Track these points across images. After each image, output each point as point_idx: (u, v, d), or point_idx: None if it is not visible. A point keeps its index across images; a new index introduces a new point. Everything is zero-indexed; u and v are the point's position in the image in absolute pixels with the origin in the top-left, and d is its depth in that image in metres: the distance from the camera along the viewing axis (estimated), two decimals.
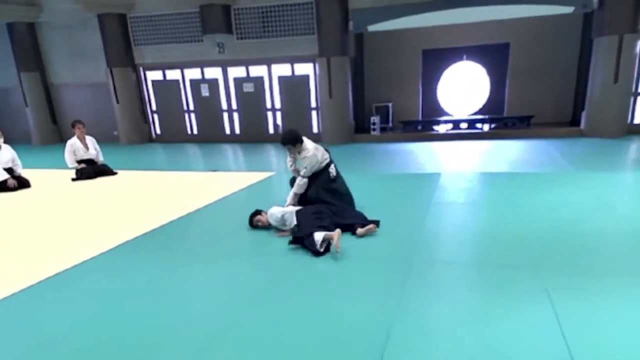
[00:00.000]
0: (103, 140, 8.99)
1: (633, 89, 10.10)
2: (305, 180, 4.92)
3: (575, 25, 11.07)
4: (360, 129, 12.32)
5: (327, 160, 5.04)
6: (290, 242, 4.11)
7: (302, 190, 4.94)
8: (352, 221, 4.45)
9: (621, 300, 2.88)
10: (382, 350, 2.47)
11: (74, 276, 3.77)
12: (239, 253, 4.18)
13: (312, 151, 4.88)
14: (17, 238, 4.89)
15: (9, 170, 7.45)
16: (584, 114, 10.51)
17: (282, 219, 4.45)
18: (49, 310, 3.18)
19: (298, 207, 4.59)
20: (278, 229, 4.54)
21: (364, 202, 5.25)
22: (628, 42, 9.37)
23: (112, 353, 2.60)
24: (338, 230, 3.87)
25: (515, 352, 2.40)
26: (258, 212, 4.65)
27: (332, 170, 5.01)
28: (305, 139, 4.96)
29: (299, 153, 4.92)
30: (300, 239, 4.03)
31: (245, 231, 4.66)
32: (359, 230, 4.28)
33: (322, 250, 3.84)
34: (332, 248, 3.88)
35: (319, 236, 3.85)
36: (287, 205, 4.84)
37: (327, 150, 5.13)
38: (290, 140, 4.87)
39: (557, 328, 2.59)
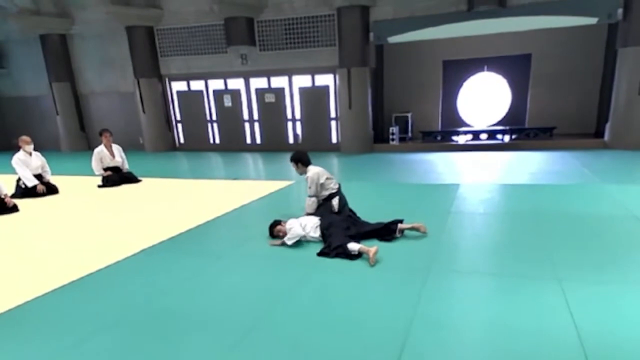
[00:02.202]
0: (129, 148, 9.27)
1: None
2: (313, 199, 5.17)
3: (598, 36, 10.93)
4: (379, 139, 12.37)
5: (332, 191, 5.16)
6: (319, 254, 4.20)
7: (312, 210, 5.17)
8: (373, 227, 4.57)
9: None
10: (401, 351, 2.52)
11: (106, 276, 3.93)
12: (263, 256, 4.29)
13: (314, 171, 5.14)
14: (48, 242, 5.09)
15: (39, 177, 7.75)
16: (607, 125, 10.34)
17: (302, 235, 4.52)
18: (81, 310, 3.32)
19: (317, 219, 4.65)
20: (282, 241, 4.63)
21: (382, 210, 5.29)
22: None
23: (151, 341, 2.72)
24: (376, 247, 3.99)
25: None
26: (278, 223, 4.73)
27: (334, 203, 5.11)
28: (312, 166, 5.23)
29: (303, 173, 5.27)
30: (327, 253, 4.16)
31: (267, 237, 4.76)
32: (401, 226, 4.52)
33: (356, 254, 4.04)
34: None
35: (354, 247, 4.04)
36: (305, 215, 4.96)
37: (339, 184, 5.31)
38: (296, 158, 5.27)
39: (578, 343, 2.59)
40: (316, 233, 4.51)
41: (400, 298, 3.24)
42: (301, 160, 5.23)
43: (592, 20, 9.77)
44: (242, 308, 3.21)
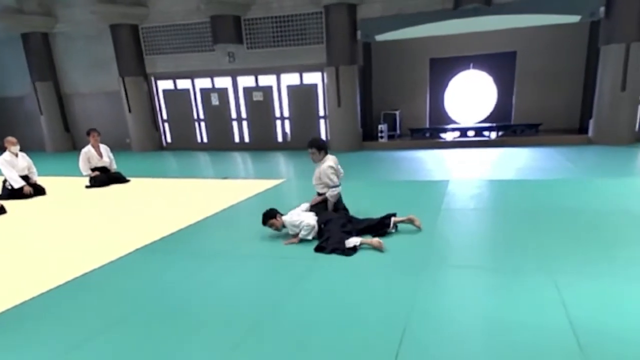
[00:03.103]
0: (115, 148, 9.18)
1: None
2: (339, 188, 5.04)
3: (581, 34, 11.14)
4: (368, 137, 12.43)
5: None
6: (316, 250, 4.23)
7: (336, 199, 5.07)
8: (368, 223, 4.61)
9: None
10: (399, 342, 2.57)
11: (98, 278, 3.90)
12: (259, 255, 4.30)
13: (334, 160, 5.06)
14: (36, 243, 5.02)
15: (25, 178, 7.63)
16: (591, 121, 10.55)
17: (298, 228, 4.51)
18: (80, 309, 3.30)
19: (315, 219, 4.58)
20: (288, 236, 4.63)
21: (373, 208, 5.32)
22: (635, 50, 9.43)
23: (154, 342, 2.72)
24: (377, 240, 4.18)
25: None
26: (273, 215, 4.64)
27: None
28: (329, 155, 5.12)
29: (321, 160, 5.05)
30: (323, 248, 4.20)
31: (263, 235, 4.76)
32: (395, 219, 4.59)
33: (353, 247, 4.14)
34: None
35: (354, 240, 4.18)
36: (307, 210, 4.89)
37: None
38: (319, 145, 5.04)
39: (572, 333, 2.66)
40: (312, 234, 4.50)
41: (397, 292, 3.28)
42: (324, 148, 5.07)
43: (575, 19, 9.95)
44: (241, 307, 3.22)
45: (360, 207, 5.43)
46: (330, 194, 5.00)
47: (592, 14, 9.79)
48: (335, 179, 4.99)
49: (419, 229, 4.63)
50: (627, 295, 3.07)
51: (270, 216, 4.64)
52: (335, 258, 4.05)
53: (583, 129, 11.18)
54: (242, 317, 3.05)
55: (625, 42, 9.43)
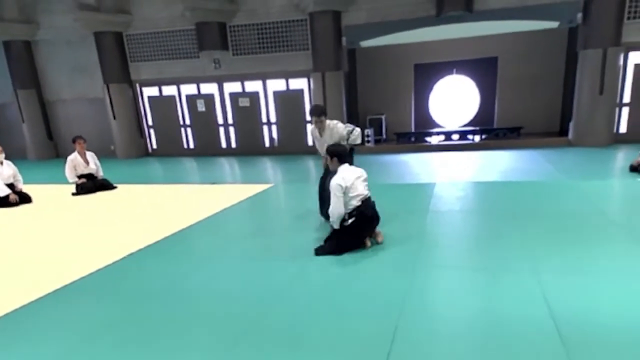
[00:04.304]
0: (100, 155, 9.11)
1: (618, 100, 10.45)
2: (359, 130, 5.36)
3: (560, 39, 11.47)
4: None
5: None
6: (317, 253, 4.28)
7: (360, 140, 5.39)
8: None
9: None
10: (392, 338, 2.65)
11: (89, 284, 3.90)
12: (250, 258, 4.34)
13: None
14: (24, 251, 4.99)
15: (10, 186, 7.54)
16: (571, 124, 10.84)
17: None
18: (72, 314, 3.30)
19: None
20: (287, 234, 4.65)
21: None
22: (612, 55, 9.75)
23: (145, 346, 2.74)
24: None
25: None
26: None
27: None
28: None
29: (325, 124, 5.34)
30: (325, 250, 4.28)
31: (254, 238, 4.82)
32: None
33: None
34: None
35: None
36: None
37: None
38: (319, 112, 5.32)
39: (553, 326, 2.78)
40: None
41: (388, 292, 3.37)
42: (325, 113, 5.38)
43: (554, 25, 10.24)
44: (233, 309, 3.26)
45: None
46: (354, 135, 5.30)
47: (570, 21, 10.09)
48: (349, 126, 5.35)
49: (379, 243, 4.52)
50: (602, 288, 3.24)
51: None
52: (325, 260, 4.12)
53: (563, 132, 11.48)
54: (235, 319, 3.10)
55: (602, 47, 9.75)
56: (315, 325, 2.96)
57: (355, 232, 4.30)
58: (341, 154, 4.52)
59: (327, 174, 5.08)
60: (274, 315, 3.13)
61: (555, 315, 2.88)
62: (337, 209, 4.23)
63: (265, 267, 4.08)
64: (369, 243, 4.33)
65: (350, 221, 4.25)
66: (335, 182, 4.26)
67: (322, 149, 5.33)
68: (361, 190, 4.34)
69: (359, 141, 5.34)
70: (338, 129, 5.28)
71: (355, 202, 4.27)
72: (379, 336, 2.76)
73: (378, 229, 4.56)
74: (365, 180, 4.47)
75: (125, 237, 5.24)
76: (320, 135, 5.40)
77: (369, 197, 4.45)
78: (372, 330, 2.85)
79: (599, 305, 3.00)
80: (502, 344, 2.60)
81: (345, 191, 4.22)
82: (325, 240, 4.44)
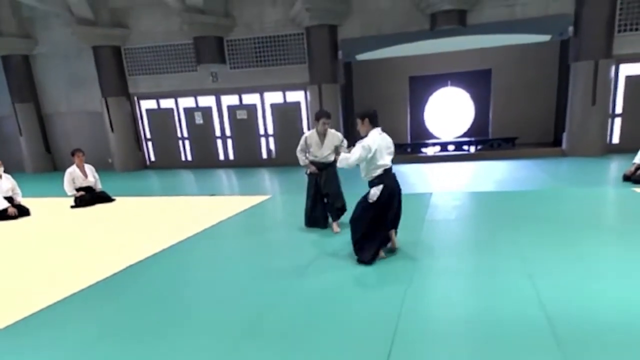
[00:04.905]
0: (97, 168, 9.16)
1: (610, 111, 10.62)
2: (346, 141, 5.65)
3: (553, 51, 11.68)
4: None
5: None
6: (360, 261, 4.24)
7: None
8: None
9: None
10: (392, 339, 2.71)
11: (90, 295, 3.93)
12: (250, 266, 4.38)
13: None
14: (25, 263, 5.01)
15: (9, 199, 7.57)
16: (565, 134, 10.99)
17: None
18: (73, 322, 3.33)
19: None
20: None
21: None
22: (603, 66, 9.95)
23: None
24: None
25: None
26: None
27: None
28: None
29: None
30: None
31: (253, 248, 4.87)
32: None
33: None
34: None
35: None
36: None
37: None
38: (329, 114, 5.75)
39: (548, 326, 2.84)
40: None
41: (387, 297, 3.44)
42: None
43: (546, 38, 10.45)
44: (234, 314, 3.31)
45: (347, 219, 5.56)
46: (344, 145, 5.69)
47: (561, 34, 10.30)
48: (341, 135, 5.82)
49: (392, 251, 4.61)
50: (595, 290, 3.36)
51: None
52: (323, 267, 4.19)
53: (557, 142, 11.63)
54: (235, 324, 3.15)
55: (594, 59, 9.94)
56: (316, 328, 3.02)
57: (378, 210, 4.15)
58: (373, 115, 4.26)
59: (316, 182, 5.59)
60: (274, 318, 3.21)
61: (549, 315, 2.98)
62: (353, 160, 4.12)
63: (264, 274, 4.13)
64: (382, 254, 4.34)
65: (373, 193, 4.15)
66: (366, 142, 4.08)
67: (321, 153, 5.58)
68: (387, 160, 4.21)
69: (346, 151, 5.40)
70: (337, 135, 5.60)
71: (379, 172, 4.16)
72: (379, 338, 2.83)
73: (393, 234, 4.54)
74: (391, 153, 4.33)
75: (124, 249, 5.27)
76: (321, 140, 5.57)
77: (391, 168, 4.31)
78: (372, 333, 2.91)
79: (592, 305, 3.11)
80: (499, 344, 2.68)
81: (373, 156, 4.07)
82: (354, 244, 4.32)
